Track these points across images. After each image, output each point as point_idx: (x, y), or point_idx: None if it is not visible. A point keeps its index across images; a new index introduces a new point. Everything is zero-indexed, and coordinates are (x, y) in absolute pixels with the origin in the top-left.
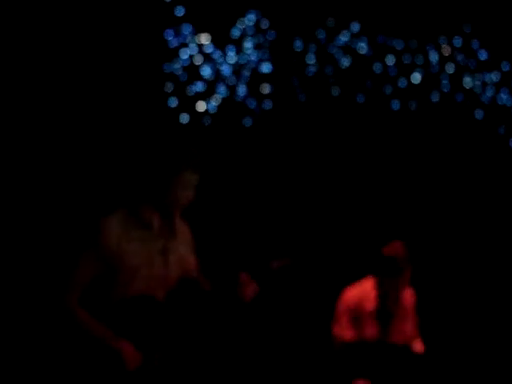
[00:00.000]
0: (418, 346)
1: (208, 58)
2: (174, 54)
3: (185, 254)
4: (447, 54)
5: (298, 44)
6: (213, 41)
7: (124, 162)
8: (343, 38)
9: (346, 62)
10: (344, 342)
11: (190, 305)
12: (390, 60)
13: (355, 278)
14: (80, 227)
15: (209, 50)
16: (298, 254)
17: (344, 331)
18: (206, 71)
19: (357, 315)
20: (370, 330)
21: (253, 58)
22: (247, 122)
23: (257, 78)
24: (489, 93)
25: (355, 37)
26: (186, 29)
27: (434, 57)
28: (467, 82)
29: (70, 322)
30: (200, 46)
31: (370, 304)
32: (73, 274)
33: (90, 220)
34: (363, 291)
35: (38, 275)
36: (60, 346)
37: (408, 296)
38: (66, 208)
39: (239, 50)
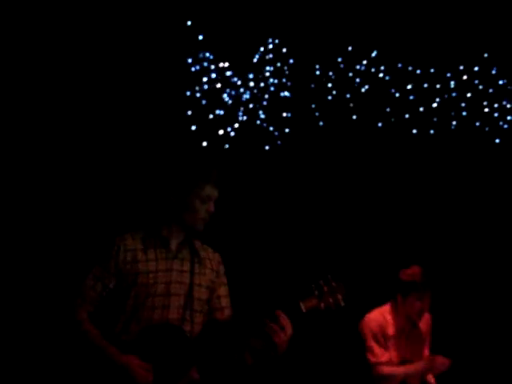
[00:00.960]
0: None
1: (228, 84)
2: (196, 79)
3: (213, 279)
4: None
5: (318, 70)
6: (233, 67)
7: (145, 178)
8: (362, 64)
9: (364, 88)
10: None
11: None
12: (409, 86)
13: (375, 303)
14: (98, 243)
15: (229, 75)
16: (318, 288)
17: (379, 356)
18: (226, 97)
19: (382, 339)
20: (393, 353)
21: (272, 83)
22: (267, 147)
23: (276, 103)
24: (508, 119)
25: (374, 63)
26: (207, 55)
27: (452, 83)
28: (486, 108)
29: (77, 334)
30: (221, 71)
31: (391, 328)
32: (84, 287)
33: (107, 236)
34: (384, 315)
35: (50, 285)
36: (65, 355)
37: (426, 320)
38: (85, 222)
39: (259, 75)
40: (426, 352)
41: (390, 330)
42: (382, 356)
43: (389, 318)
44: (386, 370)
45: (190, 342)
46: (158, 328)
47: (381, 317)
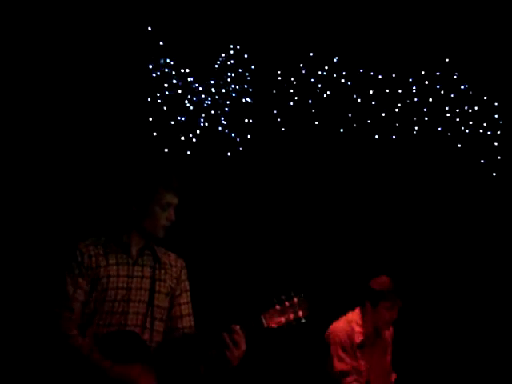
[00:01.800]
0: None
1: (190, 90)
2: (157, 85)
3: (174, 286)
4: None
5: (279, 76)
6: (194, 73)
7: (106, 184)
8: (324, 70)
9: (326, 94)
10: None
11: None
12: (371, 91)
13: (342, 310)
14: (59, 249)
15: (190, 81)
16: (280, 303)
17: (342, 363)
18: (188, 103)
19: (348, 346)
20: (361, 361)
21: (234, 89)
22: (228, 153)
23: (238, 109)
24: (469, 124)
25: (336, 68)
26: (168, 61)
27: (414, 88)
28: (448, 112)
29: (69, 349)
30: (182, 78)
31: (358, 337)
32: (67, 297)
33: (68, 242)
34: (351, 325)
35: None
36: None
37: (390, 330)
38: (46, 227)
39: (220, 81)
40: (389, 360)
41: (357, 339)
42: (350, 365)
43: (356, 326)
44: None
45: (147, 350)
46: (116, 335)
47: (348, 326)
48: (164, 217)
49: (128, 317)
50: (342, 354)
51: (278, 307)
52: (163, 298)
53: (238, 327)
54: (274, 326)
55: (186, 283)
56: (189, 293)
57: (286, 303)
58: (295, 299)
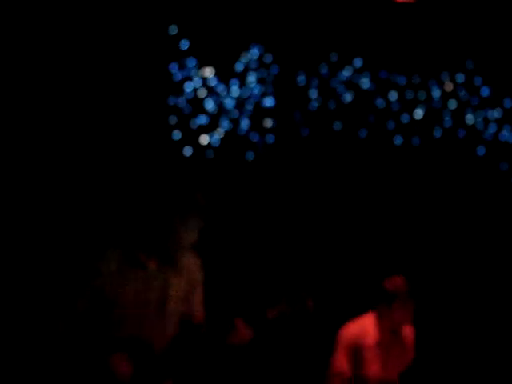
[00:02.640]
0: None
1: (212, 92)
2: (179, 87)
3: (189, 291)
4: (450, 90)
5: (301, 78)
6: (217, 74)
7: (126, 201)
8: (346, 72)
9: (348, 97)
10: (343, 377)
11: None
12: (393, 95)
13: (356, 312)
14: (76, 266)
15: (212, 83)
16: (296, 296)
17: (343, 366)
18: (210, 104)
19: (356, 350)
20: (371, 366)
21: (256, 91)
22: (250, 155)
23: (260, 111)
24: (491, 129)
25: (358, 72)
26: (191, 62)
27: (436, 92)
28: (469, 118)
29: None
30: (204, 79)
31: (371, 339)
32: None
33: (86, 260)
34: (363, 326)
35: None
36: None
37: (408, 332)
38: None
39: (242, 83)
40: (406, 364)
41: (370, 341)
42: (350, 368)
43: (370, 329)
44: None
45: (162, 353)
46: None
47: (361, 329)
48: (187, 238)
49: (145, 320)
50: (343, 357)
51: (285, 300)
52: (179, 302)
53: (240, 321)
54: (278, 317)
55: (200, 285)
56: (203, 293)
57: (294, 297)
58: (303, 293)
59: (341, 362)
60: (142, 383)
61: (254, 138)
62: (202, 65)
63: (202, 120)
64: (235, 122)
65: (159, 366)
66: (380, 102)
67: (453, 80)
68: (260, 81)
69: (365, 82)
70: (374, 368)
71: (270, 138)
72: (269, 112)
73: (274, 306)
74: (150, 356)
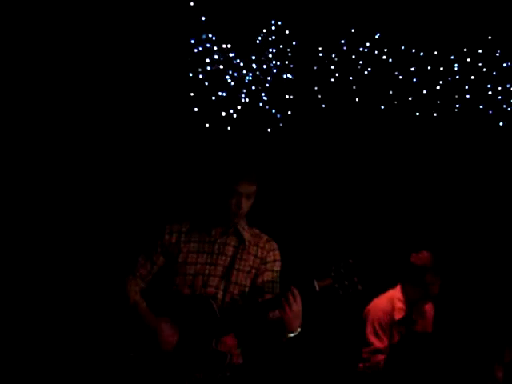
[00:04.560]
0: None
1: (231, 66)
2: (198, 61)
3: (257, 267)
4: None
5: (320, 52)
6: (236, 49)
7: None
8: (365, 46)
9: (367, 71)
10: (378, 351)
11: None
12: (413, 69)
13: (384, 286)
14: (148, 229)
15: (232, 57)
16: (336, 269)
17: (376, 341)
18: (229, 78)
19: (386, 325)
20: (395, 339)
21: (275, 65)
22: (269, 129)
23: (279, 85)
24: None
25: (377, 45)
26: (210, 36)
27: (456, 66)
28: (490, 90)
29: (126, 306)
30: (223, 53)
31: (398, 313)
32: (136, 265)
33: (157, 224)
34: (391, 301)
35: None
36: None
37: (430, 308)
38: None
39: (261, 57)
40: None
41: (398, 315)
42: (385, 343)
43: (397, 303)
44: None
45: (216, 316)
46: (190, 298)
47: (388, 303)
48: (242, 205)
49: (206, 290)
50: (379, 332)
51: (333, 274)
52: (242, 276)
53: (293, 288)
54: (326, 288)
55: (274, 264)
56: (276, 273)
57: (342, 270)
58: (352, 266)
59: (374, 337)
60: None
61: (273, 111)
62: (221, 39)
63: (222, 94)
64: (255, 96)
65: (218, 326)
66: (399, 76)
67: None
68: (279, 55)
69: (384, 56)
70: (396, 341)
71: (290, 112)
72: (288, 86)
73: (322, 279)
74: (212, 316)
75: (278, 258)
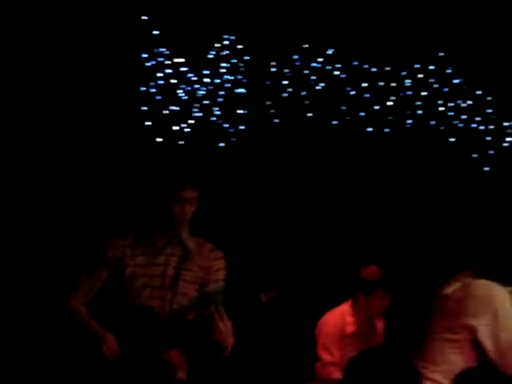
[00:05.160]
0: None
1: (183, 80)
2: (150, 75)
3: (203, 276)
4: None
5: (273, 67)
6: (188, 63)
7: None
8: (318, 61)
9: (320, 86)
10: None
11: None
12: (365, 85)
13: (335, 301)
14: (92, 245)
15: (184, 71)
16: (283, 283)
17: (328, 354)
18: (181, 93)
19: (336, 338)
20: (348, 354)
21: (227, 80)
22: (221, 143)
23: (231, 100)
24: (462, 118)
25: (330, 61)
26: (162, 51)
27: (407, 82)
28: (441, 107)
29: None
30: (176, 67)
31: (350, 327)
32: (79, 281)
33: (101, 239)
34: (342, 315)
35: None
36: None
37: (381, 322)
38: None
39: (214, 72)
40: None
41: (349, 329)
42: (336, 356)
43: (348, 317)
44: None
45: (161, 327)
46: (136, 310)
47: (339, 317)
48: (184, 211)
49: (152, 301)
50: (329, 346)
51: (279, 286)
52: (189, 286)
53: (216, 308)
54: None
55: (218, 273)
56: (220, 282)
57: (288, 282)
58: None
59: (324, 351)
60: (146, 350)
61: (226, 126)
62: (173, 53)
63: (174, 108)
64: (207, 110)
65: (164, 337)
66: (352, 91)
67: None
68: (232, 69)
69: (336, 71)
70: (351, 356)
71: (242, 127)
72: (241, 100)
73: (268, 291)
74: (157, 325)
75: (222, 266)
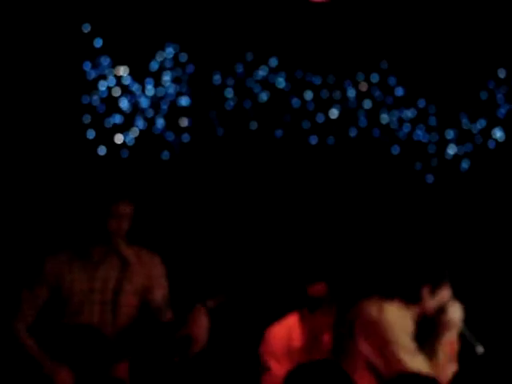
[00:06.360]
0: None
1: (126, 91)
2: (92, 85)
3: (146, 284)
4: (364, 90)
5: (217, 78)
6: (131, 73)
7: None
8: (261, 72)
9: (264, 97)
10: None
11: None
12: (308, 95)
13: (282, 312)
14: (28, 262)
15: (127, 82)
16: (230, 290)
17: (276, 365)
18: (124, 103)
19: (285, 352)
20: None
21: (171, 91)
22: (165, 155)
23: (175, 111)
24: (405, 129)
25: (273, 71)
26: (105, 61)
27: (351, 92)
28: (384, 117)
29: (15, 345)
30: (118, 78)
31: (296, 342)
32: (20, 301)
33: (36, 257)
34: (289, 329)
35: None
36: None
37: (327, 339)
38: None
39: (158, 82)
40: None
41: (296, 344)
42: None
43: (295, 331)
44: None
45: (107, 342)
46: (78, 329)
47: (286, 331)
48: (120, 226)
49: (93, 316)
50: (279, 357)
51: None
52: (131, 297)
53: (198, 306)
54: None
55: (161, 279)
56: (166, 289)
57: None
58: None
59: (271, 363)
60: (95, 368)
61: (169, 137)
62: (116, 63)
63: (117, 119)
64: (150, 121)
65: (111, 352)
66: (295, 102)
67: (367, 80)
68: (175, 80)
69: (280, 82)
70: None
71: (186, 138)
72: (184, 111)
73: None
74: (101, 342)
75: (163, 271)
